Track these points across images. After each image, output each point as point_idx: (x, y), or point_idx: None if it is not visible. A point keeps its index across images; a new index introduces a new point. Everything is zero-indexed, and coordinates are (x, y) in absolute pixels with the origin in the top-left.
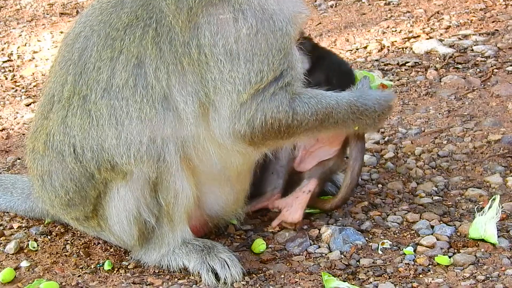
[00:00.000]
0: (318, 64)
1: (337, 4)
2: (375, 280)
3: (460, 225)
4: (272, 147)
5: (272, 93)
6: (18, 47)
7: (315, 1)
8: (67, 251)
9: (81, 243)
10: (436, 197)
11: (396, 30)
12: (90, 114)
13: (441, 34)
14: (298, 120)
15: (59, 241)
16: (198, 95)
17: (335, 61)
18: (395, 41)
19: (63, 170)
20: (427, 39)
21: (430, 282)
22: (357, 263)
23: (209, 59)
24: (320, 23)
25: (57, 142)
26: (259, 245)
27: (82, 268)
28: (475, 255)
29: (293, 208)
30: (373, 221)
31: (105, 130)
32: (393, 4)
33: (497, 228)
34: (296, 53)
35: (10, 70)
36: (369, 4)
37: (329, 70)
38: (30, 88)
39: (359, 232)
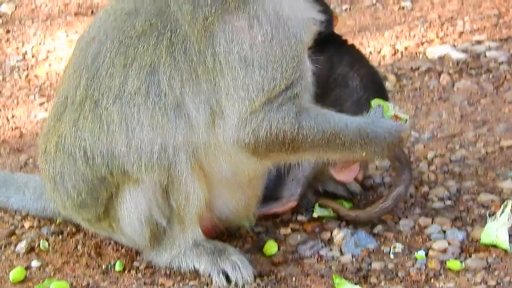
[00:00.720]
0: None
1: (351, 8)
2: (386, 284)
3: (472, 230)
4: (276, 160)
5: (280, 103)
6: (33, 47)
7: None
8: (78, 251)
9: (92, 243)
10: (448, 202)
11: (409, 35)
12: (101, 119)
13: (455, 40)
14: (303, 135)
15: (70, 241)
16: (209, 102)
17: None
18: (409, 46)
19: (76, 172)
20: (441, 44)
21: (442, 287)
22: (369, 266)
23: (224, 66)
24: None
25: (68, 144)
26: (271, 247)
27: (93, 268)
28: (486, 261)
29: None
30: (385, 224)
31: (115, 137)
32: (407, 9)
33: (509, 233)
34: (308, 62)
35: (24, 69)
36: (383, 9)
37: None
38: (44, 88)
39: (371, 236)
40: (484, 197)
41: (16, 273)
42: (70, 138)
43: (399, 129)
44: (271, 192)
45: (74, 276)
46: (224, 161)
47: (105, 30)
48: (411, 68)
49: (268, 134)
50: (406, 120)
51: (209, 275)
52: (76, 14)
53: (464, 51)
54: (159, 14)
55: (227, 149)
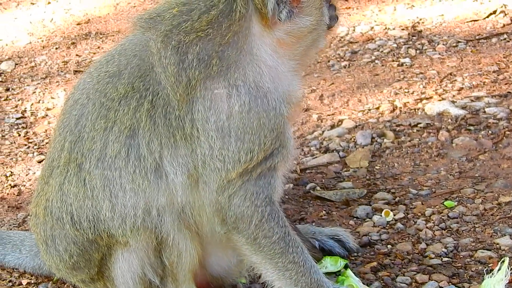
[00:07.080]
0: None
1: (350, 65)
2: None
3: (469, 286)
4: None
5: (259, 174)
6: (32, 104)
7: (329, 61)
8: None
9: None
10: (446, 259)
11: (408, 91)
12: (85, 183)
13: (454, 96)
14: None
15: None
16: (187, 166)
17: None
18: (408, 102)
19: (66, 235)
20: (440, 100)
21: None
22: None
23: (201, 134)
24: (333, 83)
25: (55, 209)
26: None
27: None
28: None
29: None
30: (382, 281)
31: (100, 202)
32: (406, 65)
33: None
34: (289, 131)
35: (23, 127)
36: (382, 65)
37: None
38: (43, 145)
39: None
40: (481, 254)
41: None
42: (56, 203)
43: None
44: None
45: None
46: (208, 221)
47: (88, 92)
48: (410, 124)
49: (241, 203)
50: None
51: None
52: (75, 72)
53: (463, 107)
54: (142, 77)
55: (208, 212)
